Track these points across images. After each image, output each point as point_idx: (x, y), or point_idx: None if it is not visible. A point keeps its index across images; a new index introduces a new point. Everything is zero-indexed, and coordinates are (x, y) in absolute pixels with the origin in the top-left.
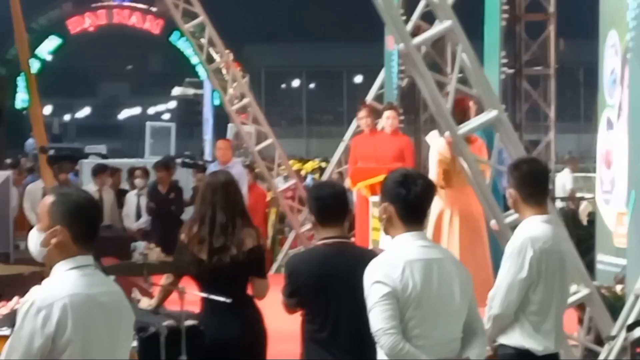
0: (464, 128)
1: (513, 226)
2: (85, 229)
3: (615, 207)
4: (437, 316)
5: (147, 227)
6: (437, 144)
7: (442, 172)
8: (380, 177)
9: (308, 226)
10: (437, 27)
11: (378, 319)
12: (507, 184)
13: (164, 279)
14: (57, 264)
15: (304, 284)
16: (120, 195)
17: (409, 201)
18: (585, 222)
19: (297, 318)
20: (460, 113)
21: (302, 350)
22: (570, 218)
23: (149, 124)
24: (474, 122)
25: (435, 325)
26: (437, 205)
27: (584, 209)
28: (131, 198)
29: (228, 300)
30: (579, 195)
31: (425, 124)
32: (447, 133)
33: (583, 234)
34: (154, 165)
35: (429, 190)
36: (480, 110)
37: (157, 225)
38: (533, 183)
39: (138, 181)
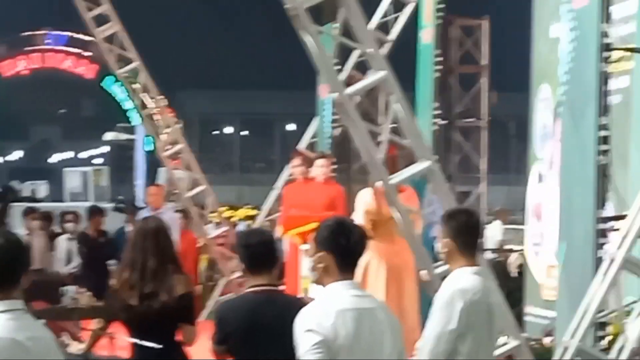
0: (396, 178)
1: (443, 277)
2: (9, 272)
3: (545, 260)
4: None
5: (77, 272)
6: (363, 195)
7: (370, 223)
8: (312, 225)
9: (239, 273)
10: (371, 77)
11: None
12: (438, 234)
13: (94, 324)
14: None
15: (233, 332)
16: (52, 239)
17: (348, 250)
18: (515, 274)
19: None
20: (389, 162)
21: None
22: (499, 269)
23: (65, 170)
24: (406, 172)
25: None
26: (365, 256)
27: (514, 261)
28: (62, 242)
29: (159, 346)
30: (508, 247)
31: (357, 173)
32: (378, 183)
33: (512, 286)
34: (88, 210)
35: (365, 238)
36: (408, 160)
37: (87, 270)
38: (469, 233)
39: (69, 225)
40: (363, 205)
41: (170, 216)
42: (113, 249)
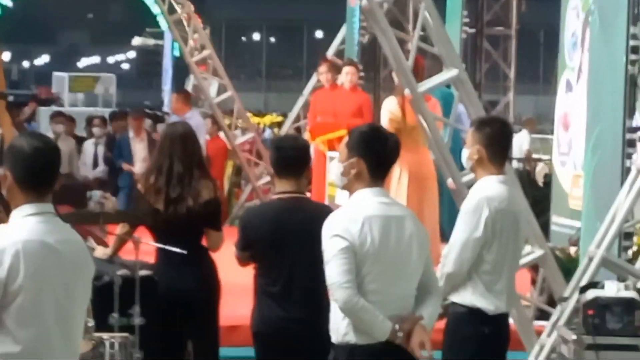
0: (425, 86)
1: (469, 185)
2: (36, 175)
3: (572, 170)
4: (394, 273)
5: (103, 177)
6: (388, 103)
7: (394, 131)
8: (339, 133)
9: (265, 180)
10: None
11: (334, 272)
12: (467, 142)
13: (119, 228)
14: (15, 209)
15: (257, 238)
16: (78, 143)
17: (382, 157)
18: (541, 184)
19: (250, 272)
20: (414, 72)
21: (254, 303)
22: (526, 179)
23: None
24: (435, 80)
25: (391, 282)
26: None
27: (540, 170)
28: (88, 147)
29: (184, 252)
30: (535, 156)
31: (384, 81)
32: (406, 90)
33: (538, 195)
34: (110, 115)
35: (398, 147)
36: (435, 70)
37: (113, 175)
38: (501, 142)
39: (96, 130)
40: (388, 114)
41: (197, 121)
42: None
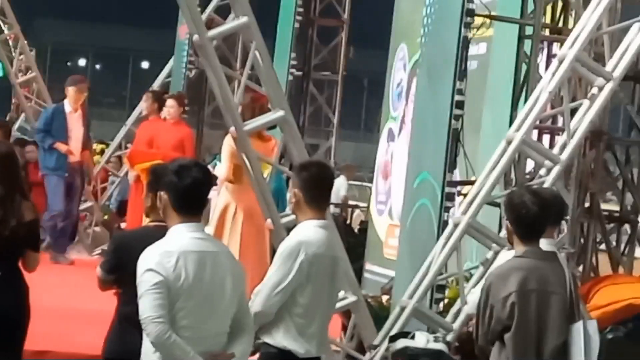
0: (250, 125)
1: (288, 227)
2: None
3: (388, 219)
4: (207, 309)
5: None
6: (229, 139)
7: (233, 166)
8: (157, 161)
9: (82, 206)
10: (234, 22)
11: (147, 306)
12: (291, 184)
13: None
14: None
15: (128, 263)
16: None
17: (182, 190)
18: (357, 231)
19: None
20: (260, 109)
21: (111, 329)
22: (342, 225)
23: None
24: (261, 119)
25: (204, 318)
26: (224, 198)
27: (356, 217)
28: None
29: None
30: (352, 203)
31: (209, 116)
32: (232, 128)
33: (353, 242)
34: None
35: (204, 181)
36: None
37: None
38: (319, 187)
39: None
40: (228, 148)
41: None
42: None
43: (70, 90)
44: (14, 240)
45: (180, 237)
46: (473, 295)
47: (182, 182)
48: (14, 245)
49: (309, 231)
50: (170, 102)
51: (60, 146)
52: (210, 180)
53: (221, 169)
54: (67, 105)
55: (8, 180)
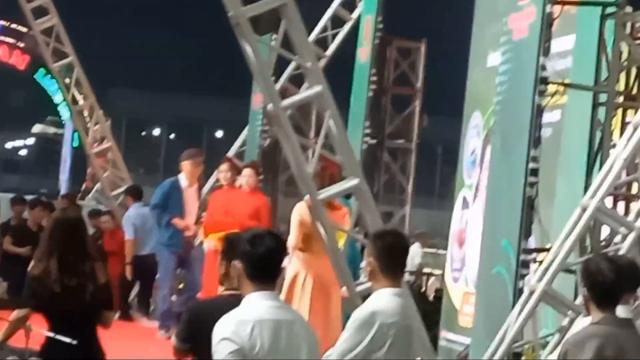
0: (324, 193)
1: (363, 295)
2: None
3: (463, 286)
4: None
5: None
6: (299, 207)
7: (302, 235)
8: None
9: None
10: (308, 92)
11: None
12: (366, 252)
13: (15, 313)
14: None
15: (203, 331)
16: None
17: (256, 259)
18: (432, 298)
19: None
20: (330, 178)
21: None
22: (417, 292)
23: None
24: (335, 188)
25: None
26: (294, 267)
27: (431, 284)
28: None
29: (73, 342)
30: (426, 270)
31: (283, 185)
32: (306, 197)
33: (429, 309)
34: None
35: (278, 249)
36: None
37: (7, 261)
38: (394, 256)
39: None
40: (298, 216)
41: None
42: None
43: (187, 165)
44: (95, 304)
45: (256, 305)
46: None
47: (255, 250)
48: (93, 309)
49: (384, 300)
50: (247, 171)
51: (178, 222)
52: (283, 249)
53: (290, 238)
54: (183, 179)
55: (78, 246)
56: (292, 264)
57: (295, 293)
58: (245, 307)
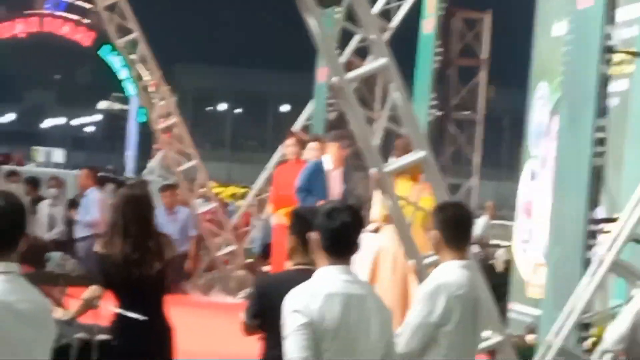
0: (390, 166)
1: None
2: (9, 234)
3: (532, 258)
4: (353, 351)
5: (60, 238)
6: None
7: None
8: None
9: (225, 250)
10: (372, 64)
11: (293, 348)
12: (430, 225)
13: (88, 292)
14: None
15: (271, 307)
16: (34, 203)
17: (333, 232)
18: (501, 269)
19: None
20: (403, 150)
21: None
22: (485, 264)
23: None
24: (402, 160)
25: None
26: (378, 241)
27: (500, 256)
28: (44, 207)
29: (144, 318)
30: (494, 242)
31: (350, 158)
32: (373, 169)
33: (497, 281)
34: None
35: (354, 224)
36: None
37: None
38: (457, 227)
39: (52, 191)
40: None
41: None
42: None
43: (333, 147)
44: (160, 279)
45: (328, 278)
46: (610, 333)
47: (332, 224)
48: (159, 284)
49: (449, 272)
50: (313, 144)
51: None
52: (361, 224)
53: (373, 211)
54: (328, 161)
55: (146, 221)
56: (377, 238)
57: (379, 267)
58: (317, 280)
